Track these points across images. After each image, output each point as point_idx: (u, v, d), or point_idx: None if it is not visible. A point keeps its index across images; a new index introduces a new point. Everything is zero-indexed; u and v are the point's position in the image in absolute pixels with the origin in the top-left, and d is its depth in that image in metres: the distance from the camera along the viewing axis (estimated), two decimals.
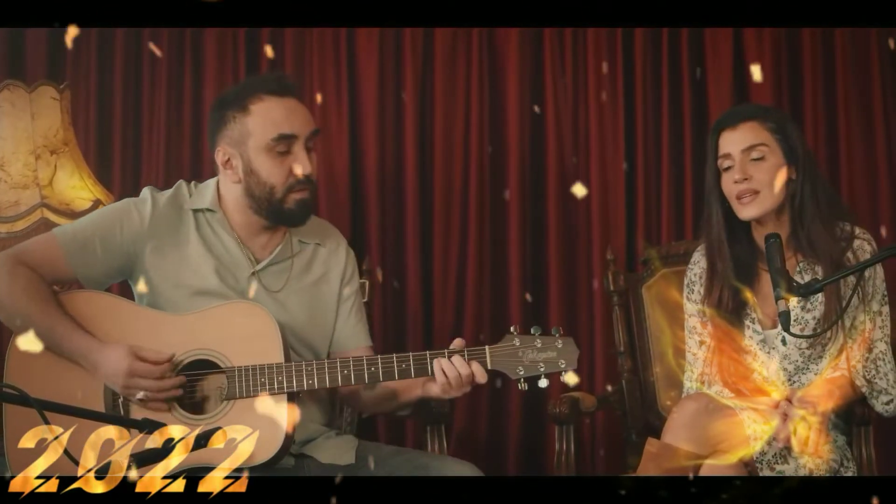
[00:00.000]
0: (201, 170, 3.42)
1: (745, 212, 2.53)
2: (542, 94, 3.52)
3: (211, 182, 2.54)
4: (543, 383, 2.34)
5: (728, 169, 2.54)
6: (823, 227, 2.52)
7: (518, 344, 2.35)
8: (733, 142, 2.54)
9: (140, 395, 2.28)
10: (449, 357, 2.32)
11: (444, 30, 3.49)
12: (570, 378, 2.34)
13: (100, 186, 3.14)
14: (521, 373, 2.33)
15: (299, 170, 2.40)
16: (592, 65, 3.50)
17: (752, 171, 2.51)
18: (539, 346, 2.34)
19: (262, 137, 2.41)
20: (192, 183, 2.55)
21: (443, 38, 3.50)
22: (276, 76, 2.55)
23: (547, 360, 2.33)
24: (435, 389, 2.35)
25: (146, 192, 2.50)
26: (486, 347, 2.35)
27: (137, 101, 3.50)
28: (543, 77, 3.51)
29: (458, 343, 2.36)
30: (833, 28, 3.44)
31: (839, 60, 3.47)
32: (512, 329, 2.37)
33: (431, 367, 2.32)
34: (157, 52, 3.42)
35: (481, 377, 2.32)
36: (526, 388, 2.35)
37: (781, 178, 2.51)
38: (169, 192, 2.51)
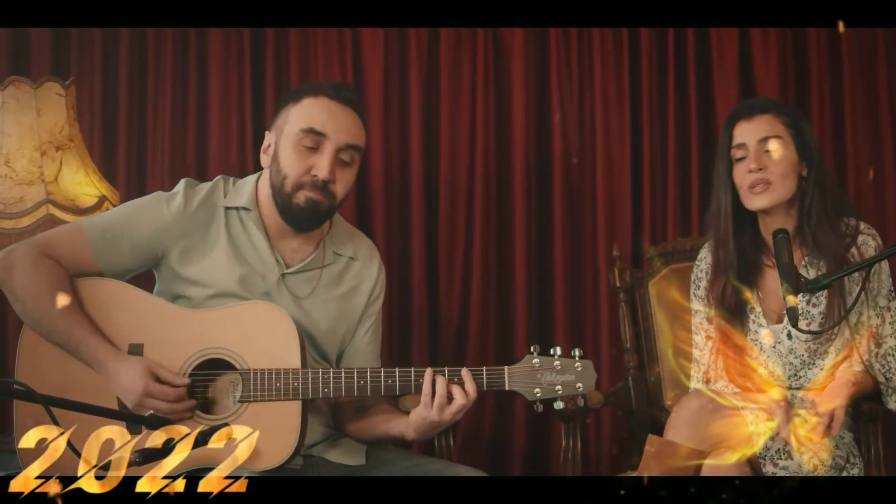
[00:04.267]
0: (205, 166, 3.43)
1: (756, 201, 2.51)
2: (548, 94, 3.51)
3: (250, 179, 2.49)
4: (559, 405, 2.29)
5: (741, 160, 2.53)
6: (829, 227, 2.51)
7: (537, 365, 2.29)
8: (749, 132, 2.53)
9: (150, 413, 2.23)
10: (454, 378, 2.28)
11: (448, 30, 3.48)
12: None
13: (105, 182, 3.14)
14: (538, 394, 2.28)
15: (318, 172, 2.35)
16: (598, 65, 3.50)
17: (767, 161, 2.50)
18: (558, 368, 2.29)
19: (294, 126, 2.37)
20: (231, 180, 2.50)
21: (447, 38, 3.50)
22: (341, 85, 2.49)
23: (565, 383, 2.28)
24: (419, 410, 2.29)
25: (181, 185, 2.45)
26: (506, 368, 2.29)
27: (142, 97, 3.49)
28: (549, 77, 3.51)
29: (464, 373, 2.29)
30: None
31: (845, 60, 3.46)
32: (532, 349, 2.31)
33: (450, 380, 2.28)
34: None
35: (461, 397, 2.26)
36: (541, 409, 2.29)
37: (794, 171, 2.51)
38: (205, 187, 2.46)
